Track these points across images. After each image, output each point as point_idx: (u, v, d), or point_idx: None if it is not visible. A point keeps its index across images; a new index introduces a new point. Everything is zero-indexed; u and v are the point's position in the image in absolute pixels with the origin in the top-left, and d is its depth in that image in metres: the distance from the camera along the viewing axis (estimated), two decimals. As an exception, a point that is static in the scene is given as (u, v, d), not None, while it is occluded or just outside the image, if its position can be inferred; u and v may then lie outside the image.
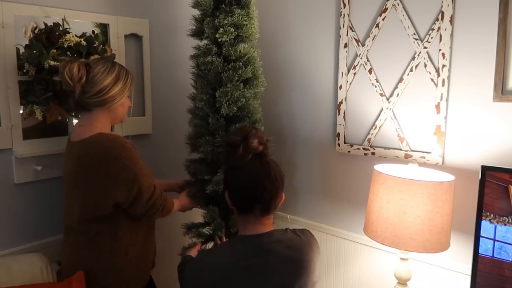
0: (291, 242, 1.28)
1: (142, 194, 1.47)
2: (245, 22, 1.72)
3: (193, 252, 1.64)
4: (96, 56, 1.78)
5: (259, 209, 1.27)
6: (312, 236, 1.37)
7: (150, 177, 1.52)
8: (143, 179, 1.47)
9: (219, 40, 1.70)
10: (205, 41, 1.78)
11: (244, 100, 1.73)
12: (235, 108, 1.72)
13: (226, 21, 1.70)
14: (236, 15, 1.70)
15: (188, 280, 1.31)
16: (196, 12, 1.80)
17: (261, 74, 1.82)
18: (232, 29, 1.69)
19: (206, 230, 1.93)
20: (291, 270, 1.24)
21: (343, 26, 1.89)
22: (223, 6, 1.71)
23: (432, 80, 1.65)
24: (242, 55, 1.72)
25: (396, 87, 1.76)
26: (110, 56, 1.86)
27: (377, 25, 1.79)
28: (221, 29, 1.69)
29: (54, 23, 1.73)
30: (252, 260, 1.23)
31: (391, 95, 1.78)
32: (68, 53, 1.73)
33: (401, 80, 1.74)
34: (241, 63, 1.72)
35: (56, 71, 1.68)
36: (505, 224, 1.37)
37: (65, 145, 1.79)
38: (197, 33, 1.81)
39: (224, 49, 1.71)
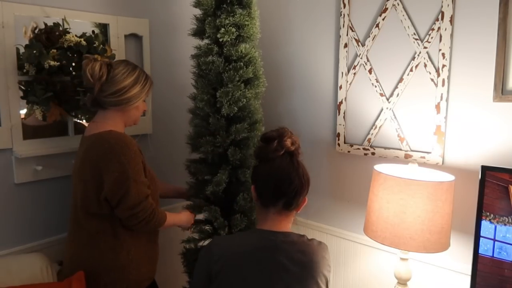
0: (305, 247, 1.30)
1: (127, 198, 1.44)
2: (246, 22, 1.72)
3: None
4: (96, 56, 1.78)
5: (282, 203, 1.30)
6: (327, 250, 1.39)
7: (143, 186, 1.49)
8: (134, 184, 1.45)
9: (220, 40, 1.70)
10: (206, 41, 1.78)
11: (245, 100, 1.73)
12: (236, 108, 1.72)
13: (227, 21, 1.69)
14: (237, 15, 1.70)
15: (201, 260, 1.33)
16: (197, 12, 1.80)
17: (262, 74, 1.82)
18: (233, 29, 1.69)
19: (207, 228, 1.93)
20: (299, 275, 1.25)
21: (343, 26, 1.89)
22: (224, 6, 1.71)
23: (432, 80, 1.65)
24: (243, 55, 1.72)
25: (396, 87, 1.76)
26: (110, 55, 1.86)
27: (377, 25, 1.79)
28: (223, 29, 1.69)
29: (54, 23, 1.73)
30: (265, 255, 1.25)
31: (391, 95, 1.78)
32: (68, 53, 1.73)
33: (401, 80, 1.74)
34: (242, 63, 1.72)
35: (56, 71, 1.68)
36: (505, 224, 1.37)
37: (65, 145, 1.79)
38: (198, 33, 1.80)
39: (225, 49, 1.71)
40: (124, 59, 1.68)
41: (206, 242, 1.84)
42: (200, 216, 1.92)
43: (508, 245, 1.37)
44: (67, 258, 1.58)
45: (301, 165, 1.36)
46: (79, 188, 1.51)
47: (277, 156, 1.32)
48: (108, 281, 1.51)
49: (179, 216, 1.73)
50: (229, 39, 1.70)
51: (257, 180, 1.35)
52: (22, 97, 1.69)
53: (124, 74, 1.51)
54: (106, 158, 1.43)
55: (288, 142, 1.35)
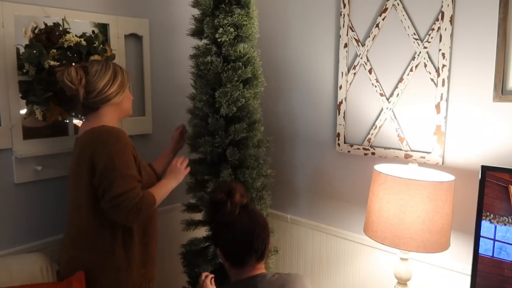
0: (283, 281, 1.31)
1: (111, 189, 1.41)
2: (245, 22, 1.72)
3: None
4: (96, 56, 1.78)
5: (255, 258, 1.31)
6: (305, 277, 1.41)
7: (131, 179, 1.45)
8: (120, 176, 1.42)
9: (219, 40, 1.70)
10: (204, 41, 1.78)
11: (243, 100, 1.73)
12: (235, 108, 1.72)
13: (225, 21, 1.69)
14: (236, 15, 1.70)
15: None
16: (196, 12, 1.80)
17: (261, 74, 1.82)
18: (231, 29, 1.69)
19: (205, 231, 1.94)
20: None
21: (343, 26, 1.89)
22: (223, 5, 1.71)
23: (432, 80, 1.65)
24: (242, 55, 1.72)
25: (396, 87, 1.76)
26: (110, 55, 1.86)
27: (377, 25, 1.79)
28: (221, 29, 1.69)
29: (54, 23, 1.73)
30: None
31: (391, 95, 1.78)
32: (68, 53, 1.73)
33: (401, 80, 1.74)
34: (240, 63, 1.72)
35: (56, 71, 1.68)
36: (505, 224, 1.37)
37: (65, 145, 1.79)
38: (197, 33, 1.80)
39: (223, 49, 1.71)
40: (93, 59, 1.68)
41: (206, 243, 1.85)
42: (199, 217, 1.92)
43: (508, 245, 1.37)
44: (65, 260, 1.57)
45: (257, 213, 1.36)
46: (75, 188, 1.51)
47: (235, 217, 1.31)
48: (106, 283, 1.51)
49: (167, 183, 1.62)
50: (227, 39, 1.70)
51: (222, 245, 1.35)
52: (22, 97, 1.69)
53: (102, 71, 1.52)
54: (97, 151, 1.44)
55: (238, 197, 1.33)
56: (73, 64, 1.56)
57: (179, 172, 1.66)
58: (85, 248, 1.51)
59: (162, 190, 1.58)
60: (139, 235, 1.58)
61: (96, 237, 1.50)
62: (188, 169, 1.69)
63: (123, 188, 1.42)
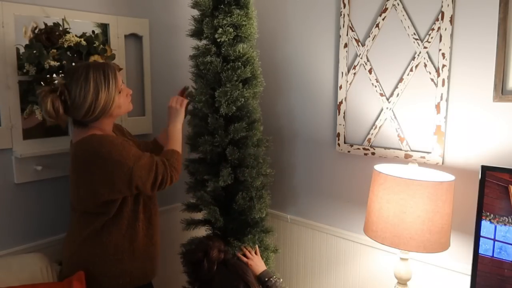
0: None
1: (140, 181, 1.42)
2: (244, 22, 1.72)
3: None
4: (96, 56, 1.78)
5: None
6: None
7: (144, 159, 1.44)
8: (138, 169, 1.42)
9: (218, 40, 1.70)
10: (204, 41, 1.78)
11: (243, 100, 1.73)
12: (234, 108, 1.72)
13: (225, 21, 1.70)
14: (235, 15, 1.70)
15: None
16: (196, 12, 1.80)
17: (260, 74, 1.82)
18: (231, 29, 1.70)
19: (205, 230, 1.94)
20: None
21: (343, 26, 1.89)
22: (222, 6, 1.72)
23: (432, 80, 1.65)
24: (241, 55, 1.72)
25: (396, 87, 1.76)
26: (110, 55, 1.86)
27: (377, 25, 1.79)
28: (220, 29, 1.69)
29: (54, 23, 1.73)
30: None
31: (391, 95, 1.78)
32: (68, 53, 1.73)
33: (401, 80, 1.74)
34: (240, 63, 1.72)
35: (56, 71, 1.69)
36: (505, 224, 1.37)
37: (65, 145, 1.80)
38: (196, 33, 1.81)
39: (223, 49, 1.72)
40: (69, 68, 1.58)
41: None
42: (199, 216, 1.92)
43: (508, 245, 1.37)
44: (66, 256, 1.59)
45: (239, 268, 1.38)
46: (74, 190, 1.52)
47: (213, 273, 1.34)
48: (106, 278, 1.52)
49: (173, 128, 1.62)
50: (227, 39, 1.70)
51: None
52: (22, 97, 1.69)
53: (82, 92, 1.40)
54: (99, 163, 1.41)
55: (215, 253, 1.36)
56: (54, 82, 1.51)
57: (177, 111, 1.66)
58: (86, 245, 1.53)
59: (173, 138, 1.57)
60: (144, 227, 1.60)
61: (94, 231, 1.52)
62: (185, 102, 1.67)
63: (145, 171, 1.42)
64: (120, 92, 1.50)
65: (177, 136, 1.63)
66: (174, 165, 1.50)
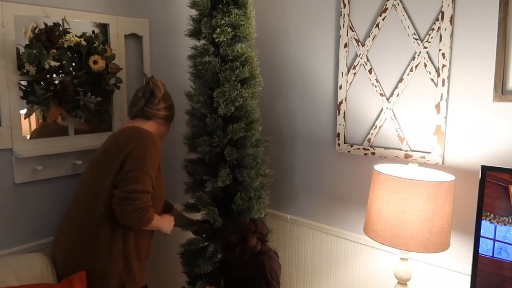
0: None
1: (133, 181, 1.50)
2: (242, 22, 1.72)
3: None
4: (96, 56, 1.78)
5: None
6: None
7: (150, 183, 1.55)
8: (146, 175, 1.53)
9: (217, 40, 1.70)
10: (202, 41, 1.78)
11: (241, 100, 1.73)
12: (233, 108, 1.72)
13: (223, 21, 1.70)
14: (233, 15, 1.70)
15: None
16: (194, 12, 1.80)
17: (259, 74, 1.82)
18: (229, 29, 1.69)
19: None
20: None
21: (343, 26, 1.89)
22: (220, 6, 1.71)
23: (432, 80, 1.65)
24: (240, 55, 1.72)
25: (396, 87, 1.76)
26: (110, 56, 1.86)
27: (377, 25, 1.79)
28: (218, 29, 1.69)
29: (54, 23, 1.73)
30: None
31: (391, 95, 1.78)
32: (68, 53, 1.73)
33: (401, 80, 1.74)
34: (238, 63, 1.72)
35: (56, 71, 1.69)
36: (505, 224, 1.37)
37: (65, 145, 1.81)
38: (195, 33, 1.81)
39: (221, 49, 1.72)
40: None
41: (205, 243, 1.84)
42: (198, 216, 1.92)
43: (508, 245, 1.37)
44: (63, 251, 1.61)
45: (268, 266, 1.27)
46: (97, 178, 1.58)
47: (242, 262, 1.25)
48: (103, 274, 1.55)
49: (162, 220, 1.71)
50: (225, 39, 1.70)
51: (226, 282, 1.31)
52: (22, 97, 1.69)
53: (167, 97, 1.77)
54: (134, 143, 1.55)
55: (253, 242, 1.26)
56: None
57: (169, 226, 1.76)
58: (86, 241, 1.56)
59: (157, 221, 1.63)
60: (134, 242, 1.63)
61: (96, 228, 1.55)
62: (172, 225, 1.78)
63: (143, 187, 1.51)
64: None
65: (159, 223, 1.68)
66: (147, 215, 1.54)
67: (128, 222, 1.53)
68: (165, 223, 1.72)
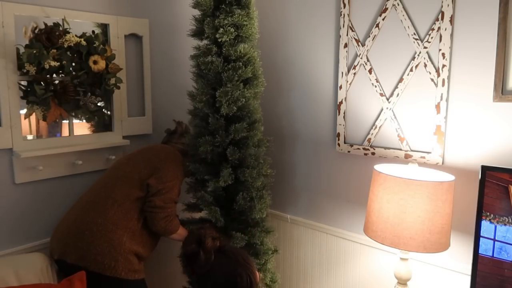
0: None
1: (170, 192, 1.68)
2: (245, 22, 1.72)
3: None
4: (96, 56, 1.78)
5: None
6: None
7: (177, 194, 1.74)
8: (177, 187, 1.73)
9: (219, 40, 1.70)
10: (205, 41, 1.78)
11: (244, 100, 1.73)
12: (235, 108, 1.72)
13: (226, 21, 1.70)
14: (236, 15, 1.70)
15: None
16: (196, 12, 1.80)
17: (261, 74, 1.82)
18: (232, 29, 1.69)
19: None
20: None
21: (343, 26, 1.89)
22: (223, 6, 1.71)
23: (432, 80, 1.65)
24: (242, 55, 1.72)
25: (396, 87, 1.76)
26: (110, 56, 1.86)
27: (377, 25, 1.79)
28: (221, 29, 1.69)
29: (54, 23, 1.73)
30: None
31: (391, 95, 1.78)
32: (68, 53, 1.73)
33: (401, 80, 1.74)
34: (241, 63, 1.72)
35: (56, 71, 1.69)
36: (505, 224, 1.37)
37: (65, 145, 1.81)
38: (197, 33, 1.81)
39: (224, 49, 1.71)
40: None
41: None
42: (199, 216, 1.92)
43: (508, 245, 1.37)
44: (70, 221, 1.66)
45: (235, 252, 1.31)
46: (125, 169, 1.74)
47: (212, 263, 1.28)
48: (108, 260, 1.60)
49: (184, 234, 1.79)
50: (228, 39, 1.70)
51: None
52: (22, 97, 1.69)
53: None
54: (167, 157, 1.76)
55: (210, 242, 1.30)
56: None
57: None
58: (98, 211, 1.63)
59: (181, 231, 1.75)
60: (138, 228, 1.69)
61: (114, 208, 1.64)
62: None
63: (174, 197, 1.71)
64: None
65: (183, 235, 1.77)
66: (174, 223, 1.72)
67: (157, 228, 1.67)
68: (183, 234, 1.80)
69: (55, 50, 1.69)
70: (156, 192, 1.67)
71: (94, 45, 1.79)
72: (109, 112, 2.02)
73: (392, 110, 1.78)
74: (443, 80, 1.61)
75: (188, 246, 1.33)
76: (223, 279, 1.28)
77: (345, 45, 1.90)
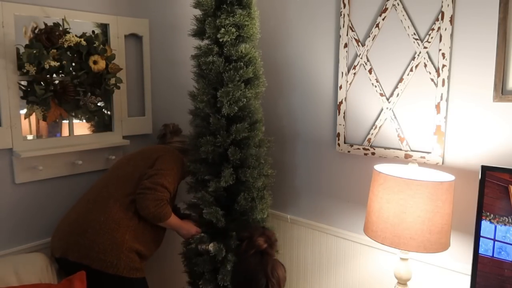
0: None
1: (160, 176, 1.71)
2: (246, 22, 1.72)
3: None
4: (96, 56, 1.78)
5: None
6: None
7: (170, 188, 1.75)
8: (171, 175, 1.75)
9: (221, 40, 1.70)
10: (206, 41, 1.78)
11: (245, 100, 1.73)
12: (236, 108, 1.72)
13: (227, 21, 1.70)
14: (237, 15, 1.70)
15: None
16: (197, 12, 1.80)
17: (262, 74, 1.82)
18: (233, 29, 1.69)
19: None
20: None
21: (343, 26, 1.89)
22: (224, 6, 1.72)
23: (432, 80, 1.65)
24: (243, 55, 1.72)
25: (396, 87, 1.76)
26: (110, 56, 1.86)
27: (377, 25, 1.79)
28: (223, 29, 1.69)
29: (54, 23, 1.73)
30: None
31: (391, 95, 1.78)
32: (68, 53, 1.73)
33: (401, 80, 1.74)
34: (242, 63, 1.72)
35: (56, 71, 1.69)
36: (505, 224, 1.37)
37: (65, 145, 1.81)
38: (199, 33, 1.81)
39: (225, 49, 1.72)
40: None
41: (205, 243, 1.85)
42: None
43: (508, 245, 1.37)
44: (72, 219, 1.68)
45: (271, 265, 1.37)
46: (126, 169, 1.79)
47: (247, 256, 1.36)
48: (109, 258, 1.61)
49: (182, 223, 1.80)
50: (229, 39, 1.70)
51: (233, 277, 1.43)
52: (22, 97, 1.69)
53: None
54: (166, 152, 1.84)
55: (259, 241, 1.38)
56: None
57: (188, 232, 1.83)
58: (100, 209, 1.66)
59: (175, 221, 1.78)
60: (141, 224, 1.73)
61: (116, 205, 1.67)
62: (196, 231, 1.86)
63: (168, 184, 1.72)
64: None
65: (176, 224, 1.81)
66: (165, 209, 1.73)
67: (146, 212, 1.67)
68: (184, 226, 1.81)
69: (55, 50, 1.69)
70: (148, 177, 1.72)
71: (94, 45, 1.79)
72: (109, 112, 2.02)
73: (392, 110, 1.78)
74: (443, 80, 1.61)
75: (243, 232, 1.42)
76: (244, 273, 1.36)
77: (345, 45, 1.90)
